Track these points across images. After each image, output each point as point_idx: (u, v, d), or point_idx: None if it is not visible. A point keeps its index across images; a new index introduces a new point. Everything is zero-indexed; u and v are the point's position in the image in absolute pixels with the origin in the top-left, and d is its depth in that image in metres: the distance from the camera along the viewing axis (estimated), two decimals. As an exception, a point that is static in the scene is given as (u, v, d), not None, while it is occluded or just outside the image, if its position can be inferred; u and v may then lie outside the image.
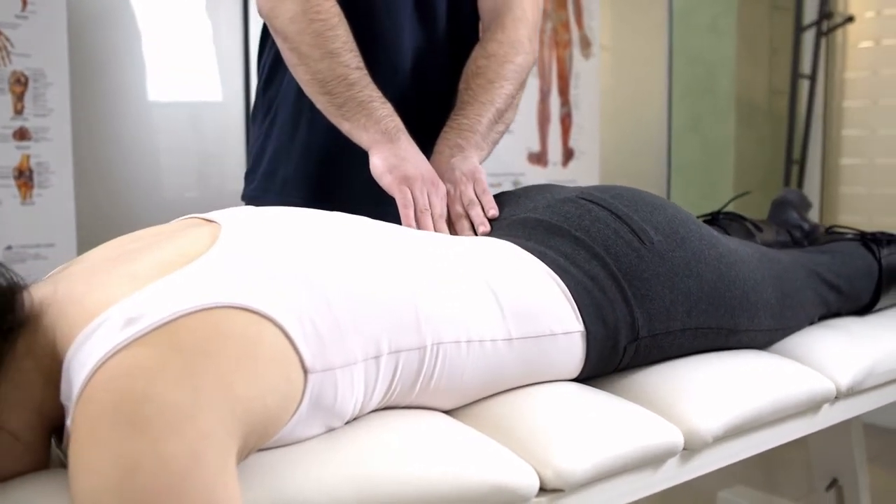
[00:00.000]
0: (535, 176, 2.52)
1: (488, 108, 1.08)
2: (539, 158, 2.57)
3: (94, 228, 1.74)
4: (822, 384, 0.93)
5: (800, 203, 1.64)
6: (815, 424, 0.95)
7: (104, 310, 0.58)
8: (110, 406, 0.52)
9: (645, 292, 0.82)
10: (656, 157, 2.92)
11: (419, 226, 0.98)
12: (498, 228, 0.94)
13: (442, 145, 1.07)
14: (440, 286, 0.71)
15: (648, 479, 0.76)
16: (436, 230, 0.98)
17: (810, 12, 2.81)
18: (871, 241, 1.17)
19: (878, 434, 1.54)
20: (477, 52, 1.14)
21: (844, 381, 0.95)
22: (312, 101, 1.09)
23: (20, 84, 1.60)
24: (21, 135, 1.61)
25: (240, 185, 1.27)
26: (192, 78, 1.87)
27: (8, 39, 1.59)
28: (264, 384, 0.58)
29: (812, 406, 0.92)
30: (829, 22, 2.77)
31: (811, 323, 1.07)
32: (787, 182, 2.87)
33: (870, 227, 1.40)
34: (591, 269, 0.81)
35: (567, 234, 0.84)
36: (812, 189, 2.91)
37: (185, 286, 0.59)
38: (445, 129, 1.09)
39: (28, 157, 1.62)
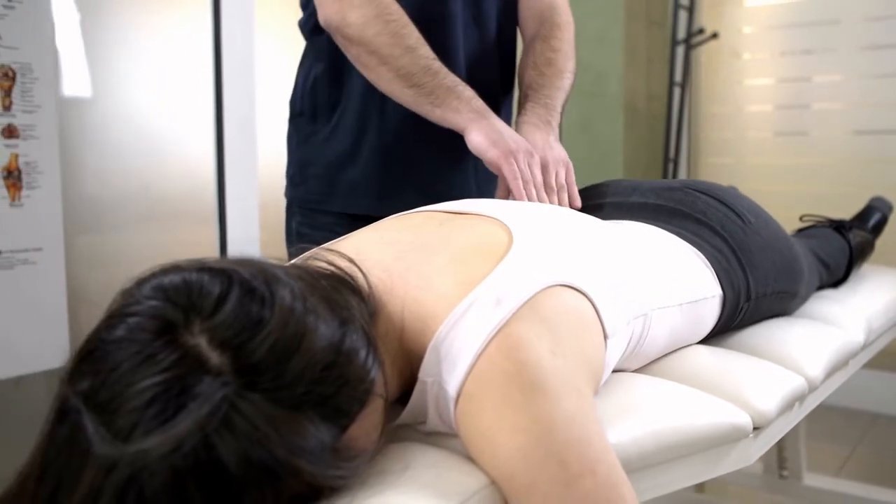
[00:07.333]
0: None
1: (562, 94, 1.20)
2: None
3: (81, 231, 1.68)
4: (853, 340, 1.16)
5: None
6: (847, 373, 1.19)
7: (464, 293, 0.67)
8: (515, 374, 0.61)
9: (753, 262, 1.01)
10: (548, 155, 3.17)
11: (527, 195, 1.05)
12: (616, 212, 1.05)
13: (532, 116, 1.15)
14: (642, 263, 0.85)
15: (787, 419, 0.94)
16: (537, 199, 1.06)
17: (681, 29, 3.19)
18: (841, 227, 1.45)
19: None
20: (542, 46, 1.24)
21: (862, 337, 1.20)
22: (394, 99, 1.14)
23: (7, 79, 1.51)
24: (9, 132, 1.52)
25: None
26: (165, 78, 1.84)
27: (-6, 31, 1.50)
28: (596, 348, 0.69)
29: (847, 359, 1.16)
30: (698, 37, 3.16)
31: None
32: (664, 177, 3.23)
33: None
34: (717, 244, 0.98)
35: (689, 217, 1.01)
36: (681, 184, 3.29)
37: (523, 270, 0.69)
38: (531, 103, 1.17)
39: (17, 155, 1.53)
